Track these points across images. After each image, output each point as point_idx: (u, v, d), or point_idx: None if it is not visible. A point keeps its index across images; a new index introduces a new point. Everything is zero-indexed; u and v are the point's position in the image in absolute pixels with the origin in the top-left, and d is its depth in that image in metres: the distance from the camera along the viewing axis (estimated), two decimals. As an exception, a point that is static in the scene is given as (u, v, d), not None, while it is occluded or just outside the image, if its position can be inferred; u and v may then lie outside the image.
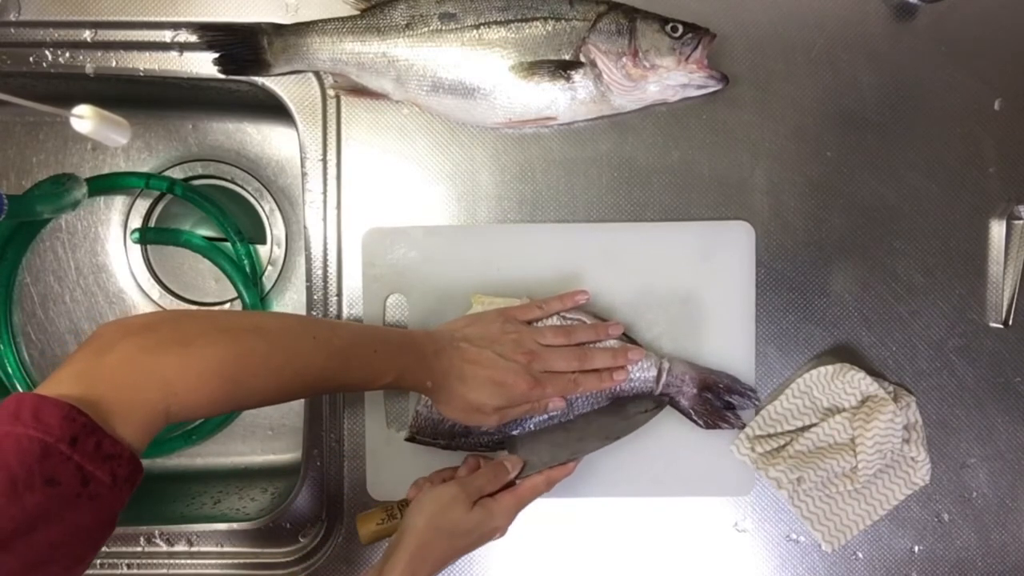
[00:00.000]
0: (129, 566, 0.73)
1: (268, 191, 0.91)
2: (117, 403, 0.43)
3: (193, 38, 0.72)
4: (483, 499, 0.59)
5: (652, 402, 0.69)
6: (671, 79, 0.69)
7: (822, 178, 0.73)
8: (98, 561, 0.73)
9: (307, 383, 0.55)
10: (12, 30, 0.73)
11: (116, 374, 0.44)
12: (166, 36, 0.73)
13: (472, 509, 0.58)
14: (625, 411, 0.68)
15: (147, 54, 0.74)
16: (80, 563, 0.42)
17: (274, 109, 0.75)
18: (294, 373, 0.53)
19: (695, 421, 0.70)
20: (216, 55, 0.71)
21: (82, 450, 0.40)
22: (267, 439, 0.91)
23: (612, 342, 0.68)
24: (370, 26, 0.70)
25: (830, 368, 0.70)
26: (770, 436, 0.71)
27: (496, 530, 0.60)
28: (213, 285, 0.92)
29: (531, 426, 0.68)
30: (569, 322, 0.69)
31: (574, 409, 0.68)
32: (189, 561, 0.74)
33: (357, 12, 0.70)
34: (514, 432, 0.68)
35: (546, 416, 0.67)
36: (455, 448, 0.68)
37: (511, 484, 0.62)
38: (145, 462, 0.88)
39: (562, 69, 0.68)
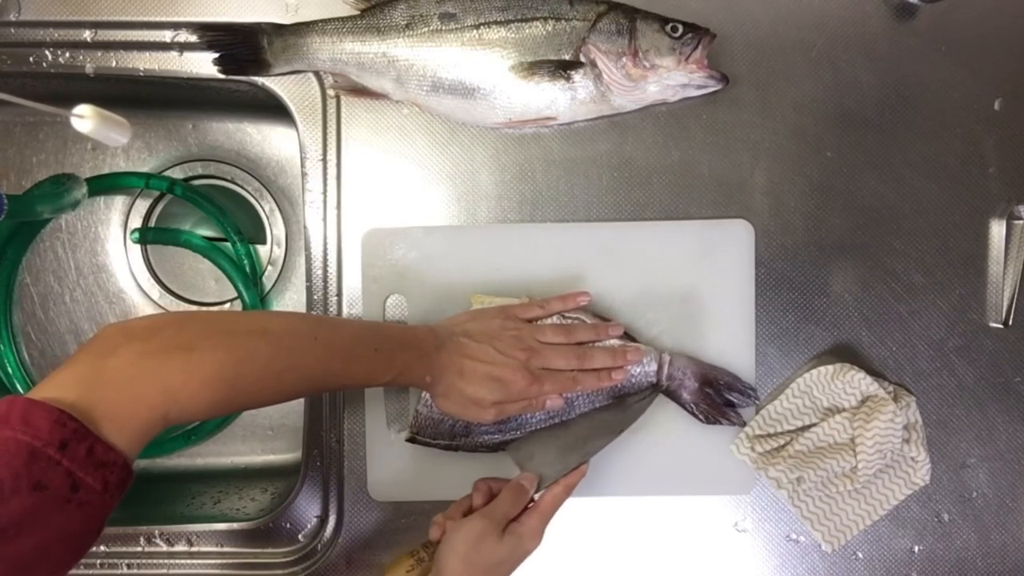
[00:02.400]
0: (129, 566, 0.73)
1: (268, 191, 0.91)
2: (116, 408, 0.43)
3: (193, 38, 0.72)
4: (510, 525, 0.59)
5: (648, 389, 0.69)
6: (671, 79, 0.69)
7: (822, 178, 0.73)
8: (98, 561, 0.73)
9: (309, 383, 0.55)
10: (12, 30, 0.73)
11: (117, 378, 0.44)
12: (166, 36, 0.73)
13: (502, 539, 0.57)
14: (623, 403, 0.68)
15: (147, 54, 0.74)
16: (63, 568, 0.42)
17: (274, 109, 0.75)
18: (296, 375, 0.53)
19: (695, 415, 0.70)
20: (216, 55, 0.71)
21: (72, 456, 0.40)
22: (267, 439, 0.91)
23: (612, 342, 0.68)
24: (370, 26, 0.70)
25: (830, 368, 0.70)
26: (770, 436, 0.71)
27: (529, 551, 0.59)
28: (213, 285, 0.92)
29: (532, 425, 0.68)
30: (569, 322, 0.69)
31: (574, 408, 0.68)
32: (189, 561, 0.74)
33: (357, 12, 0.70)
34: (516, 433, 0.68)
35: (546, 415, 0.67)
36: (455, 449, 0.68)
37: (531, 501, 0.62)
38: (145, 462, 0.89)
39: (562, 69, 0.68)
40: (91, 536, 0.43)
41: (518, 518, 0.60)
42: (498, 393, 0.62)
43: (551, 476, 0.63)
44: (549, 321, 0.69)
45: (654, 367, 0.69)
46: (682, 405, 0.70)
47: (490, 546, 0.56)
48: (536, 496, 0.62)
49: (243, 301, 0.87)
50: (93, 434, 0.41)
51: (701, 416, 0.70)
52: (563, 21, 0.69)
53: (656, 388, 0.69)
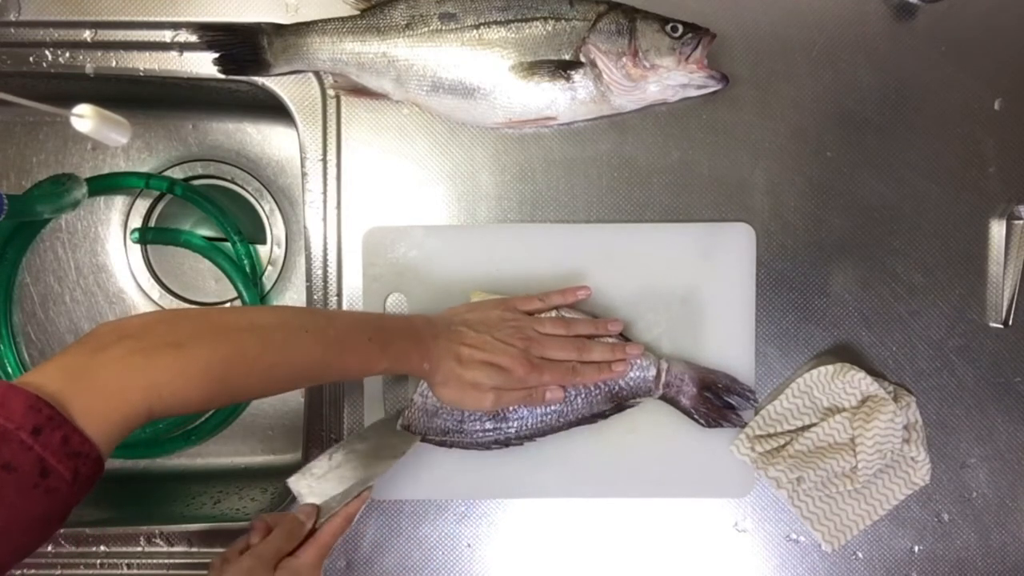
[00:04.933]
0: (129, 566, 0.73)
1: (268, 191, 0.91)
2: (96, 400, 0.43)
3: (193, 38, 0.72)
4: (285, 560, 0.56)
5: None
6: (671, 79, 0.69)
7: (822, 178, 0.73)
8: (98, 561, 0.73)
9: (302, 376, 0.55)
10: (12, 30, 0.73)
11: (102, 372, 0.44)
12: (166, 36, 0.73)
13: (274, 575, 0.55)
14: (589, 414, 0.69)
15: (147, 54, 0.74)
16: (19, 554, 0.42)
17: (274, 109, 0.75)
18: (288, 368, 0.53)
19: (697, 420, 0.70)
20: (216, 55, 0.71)
21: (45, 442, 0.40)
22: (267, 439, 0.91)
23: (611, 339, 0.68)
24: (370, 26, 0.70)
25: (830, 368, 0.70)
26: (770, 436, 0.71)
27: None
28: (213, 285, 0.92)
29: (530, 426, 0.68)
30: (569, 321, 0.69)
31: (572, 410, 0.68)
32: (189, 561, 0.74)
33: (357, 12, 0.70)
34: (512, 431, 0.68)
35: (544, 411, 0.67)
36: (449, 445, 0.68)
37: (312, 532, 0.59)
38: (145, 462, 0.89)
39: (562, 69, 0.68)
40: (54, 524, 0.42)
41: (295, 552, 0.57)
42: (497, 379, 0.62)
43: (332, 505, 0.61)
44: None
45: (652, 373, 0.69)
46: (682, 410, 0.70)
47: None
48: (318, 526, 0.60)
49: (243, 301, 0.87)
50: (69, 423, 0.41)
51: (702, 420, 0.70)
52: (563, 21, 0.69)
53: (629, 399, 0.69)
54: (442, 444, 0.68)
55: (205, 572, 0.73)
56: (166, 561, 0.74)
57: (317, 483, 0.63)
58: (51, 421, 0.40)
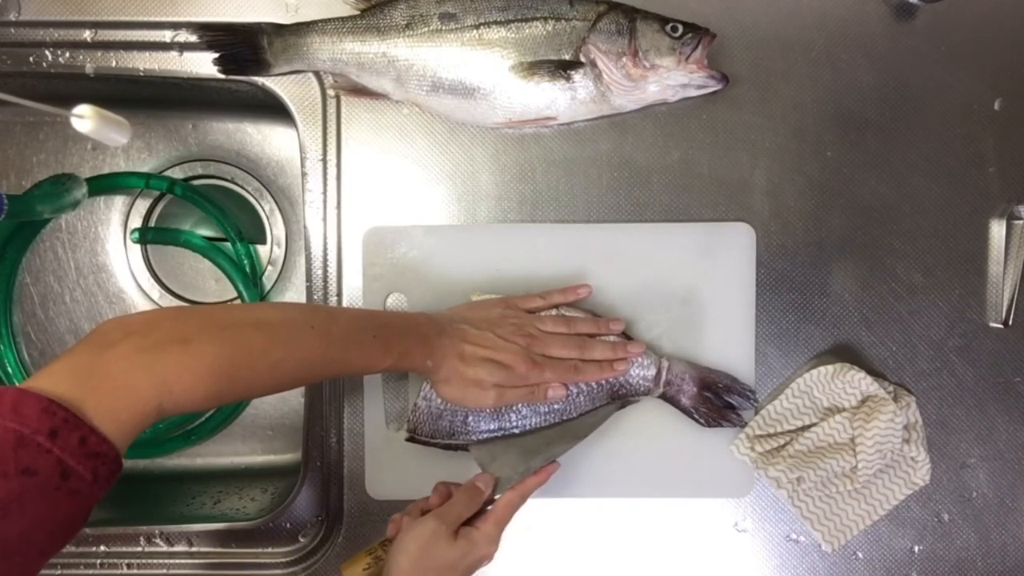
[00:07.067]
0: (129, 566, 0.73)
1: (268, 191, 0.91)
2: (109, 400, 0.43)
3: (193, 38, 0.72)
4: (463, 528, 0.58)
5: (617, 401, 0.69)
6: (671, 79, 0.69)
7: (822, 178, 0.73)
8: (98, 561, 0.73)
9: (306, 372, 0.55)
10: (12, 30, 0.73)
11: (112, 371, 0.44)
12: (166, 36, 0.73)
13: (455, 541, 0.56)
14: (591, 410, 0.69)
15: (147, 54, 0.74)
16: (42, 557, 0.42)
17: (274, 109, 0.75)
18: (293, 364, 0.53)
19: (697, 420, 0.70)
20: (216, 55, 0.71)
21: (63, 444, 0.40)
22: (267, 439, 0.91)
23: (612, 337, 0.68)
24: (370, 26, 0.70)
25: (830, 368, 0.70)
26: (770, 436, 0.71)
27: (483, 558, 0.58)
28: (213, 285, 0.92)
29: (533, 422, 0.68)
30: (569, 320, 0.69)
31: (574, 407, 0.68)
32: (189, 561, 0.74)
33: (357, 12, 0.70)
34: (515, 430, 0.68)
35: (547, 409, 0.67)
36: (454, 448, 0.68)
37: (489, 503, 0.61)
38: (145, 462, 0.89)
39: (562, 69, 0.68)
40: (76, 525, 0.43)
41: (473, 522, 0.59)
42: (499, 376, 0.62)
43: (512, 477, 0.62)
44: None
45: (653, 371, 0.69)
46: (682, 410, 0.70)
47: (441, 548, 0.56)
48: (495, 498, 0.61)
49: (243, 301, 0.87)
50: (87, 424, 0.41)
51: (702, 420, 0.70)
52: (563, 21, 0.69)
53: (629, 397, 0.69)
54: (448, 448, 0.68)
55: (205, 572, 0.74)
56: (166, 561, 0.74)
57: (501, 453, 0.64)
58: (67, 423, 0.40)
